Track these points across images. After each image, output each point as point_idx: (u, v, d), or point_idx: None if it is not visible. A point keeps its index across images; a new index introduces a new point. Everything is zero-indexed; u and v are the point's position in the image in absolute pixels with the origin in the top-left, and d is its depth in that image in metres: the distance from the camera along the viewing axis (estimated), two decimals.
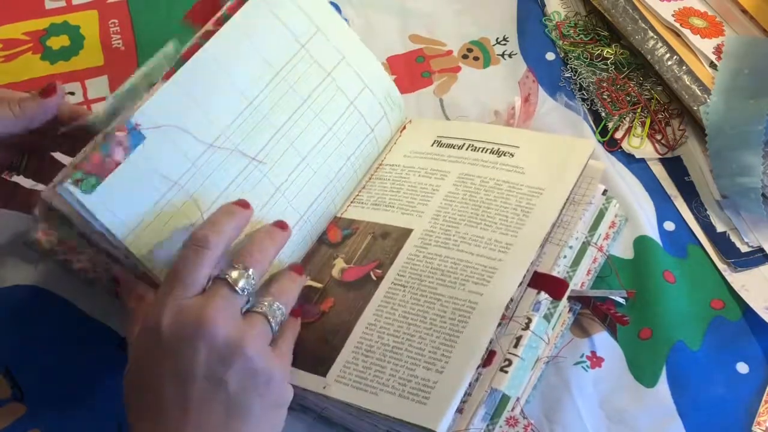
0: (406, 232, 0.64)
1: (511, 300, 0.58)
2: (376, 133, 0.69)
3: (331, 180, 0.65)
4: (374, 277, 0.62)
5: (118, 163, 0.54)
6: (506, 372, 0.57)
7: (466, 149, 0.68)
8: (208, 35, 0.59)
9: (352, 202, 0.68)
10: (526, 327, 0.58)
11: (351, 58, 0.66)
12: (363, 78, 0.67)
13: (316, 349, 0.59)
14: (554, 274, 0.61)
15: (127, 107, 0.56)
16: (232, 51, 0.60)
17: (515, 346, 0.58)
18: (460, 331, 0.57)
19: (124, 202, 0.54)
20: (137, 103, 0.55)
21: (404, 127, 0.72)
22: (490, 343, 0.56)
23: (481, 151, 0.68)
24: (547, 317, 0.60)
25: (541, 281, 0.60)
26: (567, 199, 0.63)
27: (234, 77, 0.60)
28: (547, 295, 0.60)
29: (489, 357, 0.57)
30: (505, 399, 0.57)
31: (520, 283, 0.59)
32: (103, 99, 0.78)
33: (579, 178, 0.64)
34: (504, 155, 0.67)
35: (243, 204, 0.56)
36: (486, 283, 0.59)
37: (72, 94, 0.78)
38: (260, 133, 0.61)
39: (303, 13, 0.64)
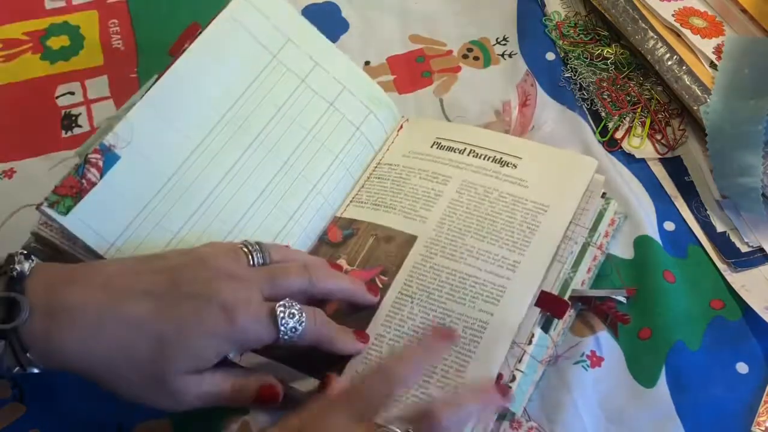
0: (411, 239, 0.64)
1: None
2: (364, 132, 0.70)
3: (319, 178, 0.67)
4: (379, 284, 0.62)
5: (93, 184, 0.57)
6: (510, 388, 0.56)
7: (468, 155, 0.68)
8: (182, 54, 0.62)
9: (351, 201, 0.68)
10: (529, 342, 0.58)
11: (324, 63, 0.69)
12: (340, 80, 0.69)
13: (323, 356, 0.57)
14: (556, 280, 0.61)
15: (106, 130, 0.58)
16: (202, 66, 0.64)
17: (519, 361, 0.57)
18: (472, 351, 0.56)
19: (103, 221, 0.58)
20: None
21: (401, 126, 0.72)
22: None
23: (484, 159, 0.67)
24: (547, 327, 0.60)
25: (544, 300, 0.60)
26: (572, 219, 0.63)
27: (205, 91, 0.64)
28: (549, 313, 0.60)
29: (496, 379, 0.56)
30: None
31: (529, 305, 0.59)
32: (103, 99, 0.78)
33: (583, 196, 0.64)
34: (507, 165, 0.67)
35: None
36: (496, 302, 0.59)
37: (72, 94, 0.78)
38: (236, 145, 0.64)
39: (272, 24, 0.67)
